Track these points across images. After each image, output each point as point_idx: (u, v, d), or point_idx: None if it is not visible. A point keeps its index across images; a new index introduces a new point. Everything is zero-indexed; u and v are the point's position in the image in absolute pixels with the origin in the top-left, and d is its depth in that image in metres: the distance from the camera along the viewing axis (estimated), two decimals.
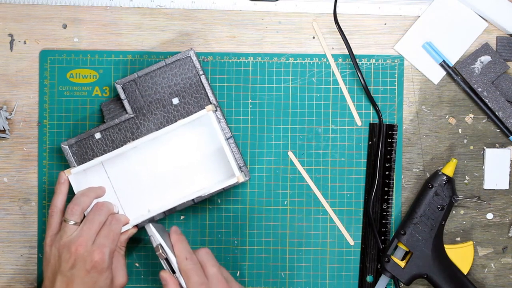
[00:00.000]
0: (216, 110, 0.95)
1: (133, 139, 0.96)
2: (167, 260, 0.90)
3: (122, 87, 0.96)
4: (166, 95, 0.96)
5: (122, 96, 0.96)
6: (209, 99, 0.95)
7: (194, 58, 0.95)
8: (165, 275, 0.89)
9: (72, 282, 0.88)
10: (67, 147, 0.96)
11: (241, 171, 0.95)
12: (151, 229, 0.91)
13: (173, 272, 0.89)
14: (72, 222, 0.90)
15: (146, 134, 0.95)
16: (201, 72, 0.95)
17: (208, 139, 0.96)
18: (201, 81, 0.96)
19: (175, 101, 0.96)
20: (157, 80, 0.96)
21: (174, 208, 0.95)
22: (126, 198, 0.96)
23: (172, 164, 0.96)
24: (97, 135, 0.96)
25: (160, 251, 0.90)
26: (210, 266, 0.89)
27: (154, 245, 0.90)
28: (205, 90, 0.96)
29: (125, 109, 0.96)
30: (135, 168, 0.96)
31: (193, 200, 0.94)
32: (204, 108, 0.95)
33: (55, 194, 0.93)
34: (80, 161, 0.96)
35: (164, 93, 0.96)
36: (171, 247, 0.90)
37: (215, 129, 0.93)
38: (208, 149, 0.96)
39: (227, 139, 0.95)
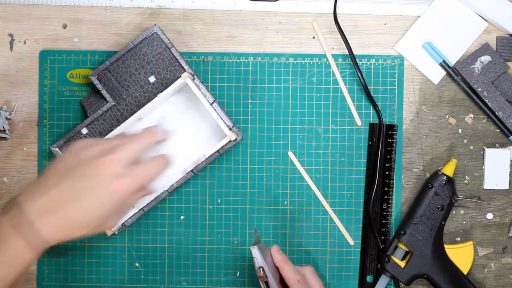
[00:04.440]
0: (193, 79, 0.95)
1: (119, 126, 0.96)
2: (266, 283, 0.89)
3: (97, 78, 0.96)
4: (142, 75, 0.96)
5: (99, 86, 0.96)
6: (184, 69, 0.96)
7: (160, 33, 0.95)
8: None
9: (85, 193, 0.79)
10: (57, 149, 0.96)
11: (232, 131, 0.95)
12: (255, 252, 0.88)
13: None
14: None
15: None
16: (170, 45, 0.95)
17: (194, 108, 0.97)
18: (172, 54, 0.96)
19: (152, 79, 0.96)
20: (130, 63, 0.96)
21: (176, 183, 0.96)
22: None
23: (165, 142, 0.96)
24: (84, 131, 0.96)
25: (262, 274, 0.88)
26: None
27: (256, 267, 0.88)
28: (179, 62, 0.96)
29: (105, 99, 0.96)
30: None
31: (192, 171, 0.95)
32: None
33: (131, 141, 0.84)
34: None
35: (139, 74, 0.96)
36: (271, 265, 0.89)
37: (196, 95, 0.94)
38: (196, 119, 0.97)
39: (211, 104, 0.95)
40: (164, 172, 0.86)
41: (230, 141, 0.95)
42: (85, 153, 0.82)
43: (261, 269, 0.88)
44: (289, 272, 0.89)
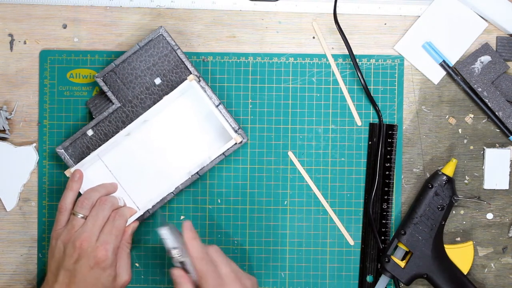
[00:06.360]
0: (199, 81, 0.95)
1: (124, 128, 0.96)
2: (181, 263, 0.88)
3: (103, 80, 0.96)
4: (148, 77, 0.96)
5: (105, 88, 0.96)
6: (189, 71, 0.96)
7: (166, 35, 0.95)
8: (178, 273, 0.87)
9: (75, 277, 0.88)
10: (62, 150, 0.96)
11: (238, 134, 0.95)
12: (165, 233, 0.88)
13: (186, 271, 0.88)
14: (80, 215, 0.91)
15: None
16: (176, 47, 0.96)
17: (199, 110, 0.97)
18: (178, 56, 0.96)
19: (158, 81, 0.96)
20: (136, 65, 0.96)
21: (181, 185, 0.96)
22: (132, 187, 0.97)
23: (170, 144, 0.97)
24: (89, 132, 0.96)
25: (176, 255, 0.87)
26: (223, 266, 0.88)
27: (170, 247, 0.88)
28: (184, 64, 0.96)
29: (110, 101, 0.96)
30: (135, 156, 0.97)
31: (197, 173, 0.95)
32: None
33: (67, 190, 0.93)
34: (79, 162, 0.96)
35: (145, 76, 0.96)
36: (182, 244, 0.88)
37: (201, 97, 0.94)
38: (201, 121, 0.97)
39: (217, 106, 0.95)
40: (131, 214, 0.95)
41: (236, 143, 0.95)
42: (63, 241, 0.91)
43: (175, 250, 0.87)
44: (194, 249, 0.88)
